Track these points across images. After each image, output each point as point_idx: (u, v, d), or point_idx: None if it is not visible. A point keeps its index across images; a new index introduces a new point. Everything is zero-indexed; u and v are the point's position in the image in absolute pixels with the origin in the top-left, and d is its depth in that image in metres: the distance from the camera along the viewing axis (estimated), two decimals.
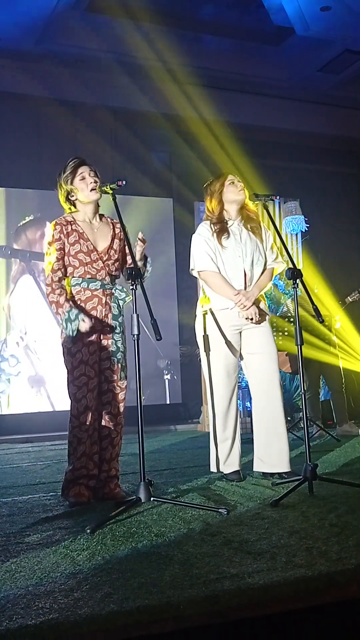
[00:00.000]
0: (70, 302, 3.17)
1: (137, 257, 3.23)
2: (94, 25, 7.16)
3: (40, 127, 7.93)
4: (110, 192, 3.11)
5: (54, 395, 7.33)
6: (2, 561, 2.21)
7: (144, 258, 3.31)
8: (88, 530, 2.53)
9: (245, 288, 3.59)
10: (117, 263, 3.33)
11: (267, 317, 3.67)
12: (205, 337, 3.61)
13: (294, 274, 3.29)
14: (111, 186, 3.12)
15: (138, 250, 3.23)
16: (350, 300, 6.03)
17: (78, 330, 3.12)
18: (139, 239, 3.23)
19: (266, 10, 7.06)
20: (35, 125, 7.92)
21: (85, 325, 3.11)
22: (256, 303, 3.58)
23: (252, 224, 3.69)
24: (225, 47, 7.78)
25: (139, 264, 3.27)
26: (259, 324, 3.59)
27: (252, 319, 3.54)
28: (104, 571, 2.04)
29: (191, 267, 3.71)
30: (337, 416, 5.94)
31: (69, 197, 3.30)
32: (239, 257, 3.60)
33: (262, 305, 3.67)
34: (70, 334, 3.15)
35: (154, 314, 2.82)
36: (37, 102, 7.88)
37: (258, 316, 3.55)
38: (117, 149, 8.32)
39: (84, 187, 3.25)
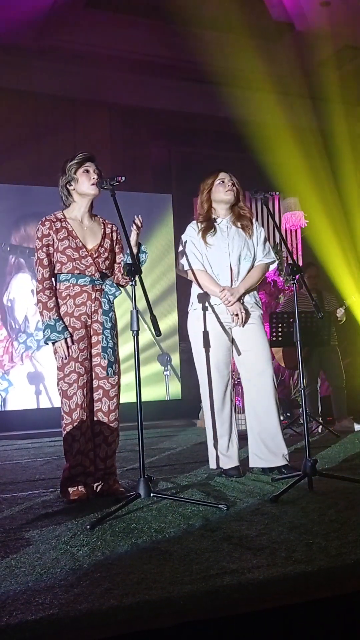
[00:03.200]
0: (59, 313, 3.19)
1: (133, 241, 3.21)
2: (93, 21, 7.14)
3: (39, 123, 7.91)
4: (110, 188, 3.10)
5: (53, 391, 7.32)
6: (1, 557, 2.22)
7: (138, 245, 3.28)
8: (88, 526, 2.54)
9: (231, 284, 3.60)
10: (108, 262, 3.33)
11: (258, 312, 3.67)
12: (199, 333, 3.61)
13: (294, 269, 3.29)
14: (110, 182, 3.11)
15: (132, 237, 3.20)
16: (347, 305, 5.99)
17: (49, 338, 3.15)
18: (134, 223, 3.20)
19: (265, 5, 7.05)
20: (34, 121, 7.90)
21: (64, 350, 3.14)
22: (242, 299, 3.59)
23: (243, 221, 3.69)
24: (224, 43, 7.76)
25: (134, 249, 3.26)
26: (246, 320, 3.60)
27: (237, 315, 3.54)
28: (103, 567, 2.04)
29: (178, 267, 3.73)
30: (337, 412, 5.94)
31: (68, 185, 3.31)
32: (225, 253, 3.61)
33: (252, 300, 3.67)
34: (44, 339, 3.18)
35: (153, 310, 2.82)
36: (35, 97, 7.87)
37: (243, 312, 3.55)
38: (116, 145, 8.31)
39: (85, 179, 3.26)
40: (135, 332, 2.89)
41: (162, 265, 7.69)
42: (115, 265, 3.40)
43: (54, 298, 3.21)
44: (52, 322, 3.16)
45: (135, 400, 2.89)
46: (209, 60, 7.88)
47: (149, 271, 7.32)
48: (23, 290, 7.43)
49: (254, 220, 3.75)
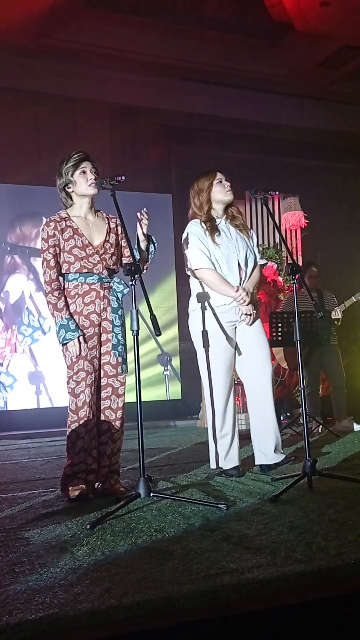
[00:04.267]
0: (69, 311, 3.19)
1: (142, 236, 3.26)
2: (93, 21, 7.14)
3: (39, 123, 7.91)
4: (110, 187, 3.10)
5: (53, 391, 7.33)
6: (2, 556, 2.22)
7: (148, 237, 3.31)
8: (88, 526, 2.54)
9: (240, 283, 3.61)
10: (115, 257, 3.33)
11: (259, 312, 3.69)
12: (203, 333, 3.61)
13: (294, 269, 3.29)
14: (110, 182, 3.11)
15: (143, 226, 3.24)
16: (347, 305, 5.95)
17: (65, 338, 3.15)
18: (143, 214, 3.23)
19: (265, 5, 7.04)
20: (34, 121, 7.91)
21: (76, 349, 3.14)
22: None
23: (237, 222, 3.72)
24: (224, 43, 7.76)
25: (143, 244, 3.29)
26: (254, 320, 3.61)
27: (249, 315, 3.55)
28: (103, 566, 2.04)
29: (187, 266, 3.72)
30: (337, 412, 5.94)
31: (66, 187, 3.31)
32: (234, 253, 3.61)
33: (255, 300, 3.69)
34: (60, 340, 3.17)
35: (153, 310, 2.82)
36: (35, 97, 7.86)
37: (254, 311, 3.59)
38: (116, 145, 8.30)
39: (82, 181, 3.26)
40: (135, 332, 2.89)
41: (162, 265, 7.68)
42: (123, 259, 3.40)
43: (63, 298, 3.21)
44: (64, 321, 3.16)
45: (135, 400, 2.89)
46: (209, 60, 7.89)
47: (149, 270, 7.31)
48: (18, 290, 7.42)
49: (245, 222, 3.80)
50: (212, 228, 3.63)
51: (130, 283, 2.94)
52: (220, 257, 3.61)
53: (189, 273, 3.74)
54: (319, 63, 8.15)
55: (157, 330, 2.79)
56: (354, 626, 1.74)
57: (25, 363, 7.36)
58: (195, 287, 3.70)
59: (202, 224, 3.66)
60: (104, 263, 3.25)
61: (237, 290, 3.55)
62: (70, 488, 3.14)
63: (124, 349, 3.27)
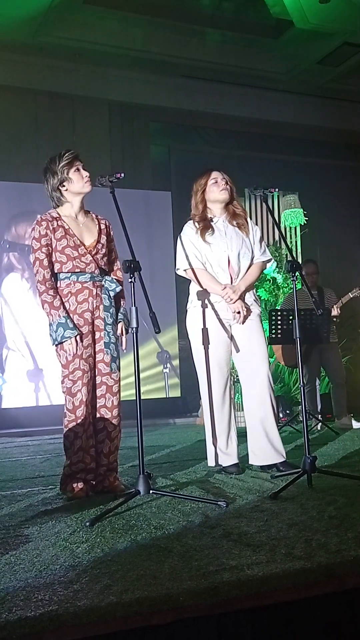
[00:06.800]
0: (66, 310, 3.18)
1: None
2: (92, 18, 7.13)
3: (38, 120, 7.91)
4: (109, 185, 3.10)
5: (52, 389, 7.32)
6: (1, 554, 2.21)
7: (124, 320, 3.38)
8: (87, 523, 2.54)
9: (231, 282, 3.60)
10: (105, 258, 3.33)
11: (257, 310, 3.67)
12: (199, 330, 3.61)
13: (293, 266, 3.29)
14: (110, 179, 3.10)
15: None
16: (343, 302, 5.93)
17: (63, 336, 3.14)
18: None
19: (265, 2, 7.03)
20: (33, 118, 7.90)
21: (73, 348, 3.13)
22: (243, 297, 3.59)
23: (238, 220, 3.70)
24: (224, 40, 7.75)
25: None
26: (246, 318, 3.59)
27: (239, 312, 3.54)
28: (103, 563, 2.04)
29: (177, 267, 3.73)
30: (336, 409, 5.94)
31: (60, 187, 3.28)
32: (224, 252, 3.60)
33: (252, 298, 3.67)
34: (58, 339, 3.16)
35: (152, 307, 2.81)
36: (35, 95, 7.86)
37: (244, 309, 3.56)
38: (115, 142, 8.30)
39: (79, 178, 3.25)
40: (134, 330, 2.89)
41: (161, 263, 7.68)
42: (111, 262, 3.40)
43: (58, 296, 3.19)
44: (62, 320, 3.14)
45: (134, 398, 2.89)
46: (208, 57, 7.88)
47: (148, 268, 7.31)
48: (15, 290, 7.41)
49: (248, 219, 3.76)
50: (205, 227, 3.64)
51: (129, 280, 2.94)
52: (211, 255, 3.61)
53: (179, 273, 3.75)
54: (318, 60, 8.15)
55: (157, 328, 2.78)
56: (353, 622, 1.74)
57: (24, 360, 7.36)
58: (193, 284, 3.70)
59: (195, 223, 3.68)
60: (96, 263, 3.25)
61: (224, 289, 3.54)
62: (69, 487, 3.14)
63: (115, 348, 3.26)
